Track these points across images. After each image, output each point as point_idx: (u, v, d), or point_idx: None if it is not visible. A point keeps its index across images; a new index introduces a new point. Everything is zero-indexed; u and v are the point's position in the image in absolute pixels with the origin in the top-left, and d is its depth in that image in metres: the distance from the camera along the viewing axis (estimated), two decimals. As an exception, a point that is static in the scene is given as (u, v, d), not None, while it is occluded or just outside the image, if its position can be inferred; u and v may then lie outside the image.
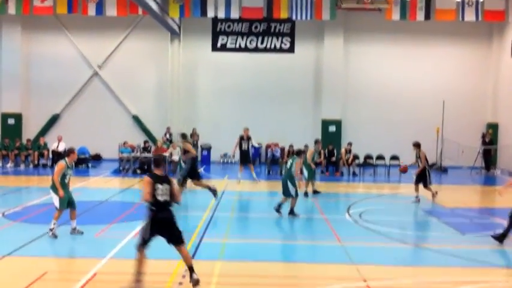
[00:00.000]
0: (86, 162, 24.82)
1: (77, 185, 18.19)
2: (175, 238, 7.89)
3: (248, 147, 20.51)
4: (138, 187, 18.78)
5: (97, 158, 27.10)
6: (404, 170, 17.16)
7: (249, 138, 20.47)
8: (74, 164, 12.36)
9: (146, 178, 7.86)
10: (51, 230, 10.76)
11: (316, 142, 18.60)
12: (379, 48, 27.60)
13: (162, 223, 7.79)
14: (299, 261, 9.54)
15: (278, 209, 13.42)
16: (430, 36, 27.27)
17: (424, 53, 27.59)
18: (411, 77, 27.68)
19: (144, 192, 7.72)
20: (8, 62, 27.46)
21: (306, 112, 27.88)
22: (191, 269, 7.82)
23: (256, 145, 22.68)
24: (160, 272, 8.53)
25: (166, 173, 8.21)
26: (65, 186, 10.85)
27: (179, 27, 27.42)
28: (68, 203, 10.96)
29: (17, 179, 16.60)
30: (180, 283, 8.03)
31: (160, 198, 7.76)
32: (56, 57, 27.87)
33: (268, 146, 25.78)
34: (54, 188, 10.79)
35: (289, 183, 13.47)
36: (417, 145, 16.41)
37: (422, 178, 16.10)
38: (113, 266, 8.86)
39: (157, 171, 7.97)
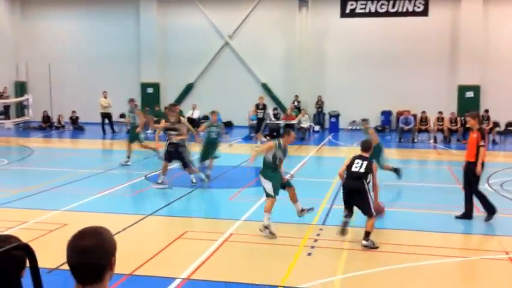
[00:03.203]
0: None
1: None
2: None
3: (264, 116, 20.00)
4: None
5: (229, 125, 28.00)
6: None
7: (264, 107, 19.88)
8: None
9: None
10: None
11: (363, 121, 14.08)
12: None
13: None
14: (437, 231, 9.19)
15: None
16: None
17: None
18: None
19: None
20: (146, 35, 29.06)
21: (441, 78, 26.52)
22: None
23: (271, 114, 21.81)
24: (293, 236, 8.67)
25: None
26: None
27: (308, -6, 27.19)
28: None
29: (156, 144, 17.72)
30: (312, 247, 8.11)
31: None
32: (190, 29, 28.96)
33: (399, 113, 24.98)
34: None
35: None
36: None
37: None
38: (246, 227, 9.15)
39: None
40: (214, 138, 13.79)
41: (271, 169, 9.10)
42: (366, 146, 8.73)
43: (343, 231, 8.34)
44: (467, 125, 9.61)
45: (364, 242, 7.97)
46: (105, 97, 25.56)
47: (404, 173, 13.31)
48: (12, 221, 9.31)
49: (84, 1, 29.82)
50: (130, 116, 16.26)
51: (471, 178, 9.57)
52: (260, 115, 19.85)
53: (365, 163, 8.42)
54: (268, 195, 8.87)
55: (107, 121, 25.47)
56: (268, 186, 8.89)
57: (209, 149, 13.66)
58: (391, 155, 19.26)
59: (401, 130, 23.30)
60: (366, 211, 8.10)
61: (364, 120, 13.73)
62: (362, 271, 7.09)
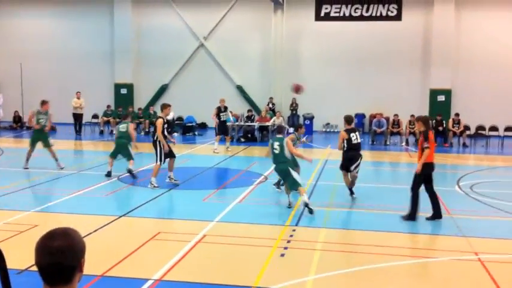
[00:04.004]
0: (193, 130, 25.74)
1: (185, 152, 18.92)
2: None
3: (226, 118, 20.01)
4: (242, 154, 19.18)
5: (203, 126, 27.96)
6: (297, 89, 14.67)
7: (226, 109, 19.89)
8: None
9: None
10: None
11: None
12: (494, 12, 25.90)
13: None
14: (407, 232, 9.32)
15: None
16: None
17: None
18: (530, 43, 25.78)
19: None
20: (120, 35, 28.82)
21: (413, 81, 26.91)
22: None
23: (230, 117, 21.80)
24: (266, 237, 8.70)
25: None
26: None
27: (283, -3, 27.33)
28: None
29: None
30: (285, 248, 8.15)
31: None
32: (165, 29, 28.82)
33: (372, 116, 25.25)
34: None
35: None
36: None
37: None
38: (220, 228, 9.15)
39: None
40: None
41: (292, 161, 10.79)
42: (351, 119, 11.90)
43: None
44: (414, 129, 10.19)
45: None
46: (78, 97, 25.22)
47: (376, 175, 13.46)
48: (-20, 222, 9.14)
49: (58, 0, 29.46)
50: (44, 119, 15.35)
51: (419, 177, 9.81)
52: (223, 118, 19.81)
53: (358, 134, 11.65)
54: (297, 184, 10.30)
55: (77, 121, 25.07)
56: (297, 176, 10.48)
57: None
58: (364, 157, 19.43)
59: (374, 133, 23.56)
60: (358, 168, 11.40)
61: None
62: (334, 271, 7.15)
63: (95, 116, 27.15)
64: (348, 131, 11.54)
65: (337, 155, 18.79)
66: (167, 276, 6.84)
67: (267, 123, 23.62)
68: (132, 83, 29.23)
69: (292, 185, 10.38)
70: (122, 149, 14.03)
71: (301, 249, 8.15)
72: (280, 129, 11.33)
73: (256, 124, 24.03)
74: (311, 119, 26.94)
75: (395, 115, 23.82)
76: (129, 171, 13.65)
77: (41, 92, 29.18)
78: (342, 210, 10.74)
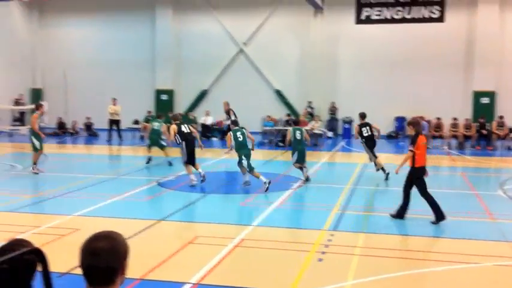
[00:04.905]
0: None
1: (224, 156, 19.02)
2: None
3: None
4: (280, 159, 19.16)
5: (242, 132, 28.00)
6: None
7: (227, 112, 20.39)
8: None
9: None
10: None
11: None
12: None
13: None
14: (448, 237, 9.11)
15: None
16: None
17: None
18: None
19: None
20: (161, 41, 29.27)
21: (455, 83, 26.35)
22: None
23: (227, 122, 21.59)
24: (304, 242, 8.65)
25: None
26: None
27: (322, 1, 27.19)
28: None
29: (170, 150, 17.94)
30: (323, 252, 8.08)
31: None
32: (204, 35, 29.11)
33: (413, 119, 24.83)
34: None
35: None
36: None
37: None
38: (258, 233, 9.15)
39: None
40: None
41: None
42: (364, 115, 15.34)
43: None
44: (408, 132, 10.19)
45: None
46: (114, 104, 25.56)
47: (402, 178, 13.20)
48: (25, 225, 9.41)
49: (100, 8, 30.13)
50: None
51: (414, 181, 9.87)
52: (228, 122, 20.00)
53: (368, 127, 14.89)
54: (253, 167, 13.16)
55: (115, 127, 25.41)
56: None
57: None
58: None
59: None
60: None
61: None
62: (373, 277, 7.04)
63: (136, 122, 27.60)
64: (360, 125, 15.02)
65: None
66: (205, 280, 6.87)
67: (306, 128, 23.48)
68: (173, 89, 29.61)
69: (251, 167, 12.94)
70: (154, 143, 17.04)
71: (339, 254, 8.07)
72: (234, 123, 14.14)
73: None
74: (350, 122, 26.71)
75: (438, 118, 23.39)
76: (169, 162, 16.41)
77: (84, 99, 29.94)
78: (381, 215, 10.58)
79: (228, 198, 12.51)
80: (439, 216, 9.65)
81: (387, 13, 26.81)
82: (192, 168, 13.48)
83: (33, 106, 18.15)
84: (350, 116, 26.79)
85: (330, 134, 26.59)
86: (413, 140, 9.76)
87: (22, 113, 29.71)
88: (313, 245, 8.46)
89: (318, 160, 18.67)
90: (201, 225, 10.16)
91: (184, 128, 13.59)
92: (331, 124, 27.16)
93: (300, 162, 13.92)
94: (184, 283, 6.70)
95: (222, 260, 7.64)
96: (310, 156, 19.57)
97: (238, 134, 13.28)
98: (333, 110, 27.27)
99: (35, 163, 15.16)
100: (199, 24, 29.31)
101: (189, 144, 13.44)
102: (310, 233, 9.15)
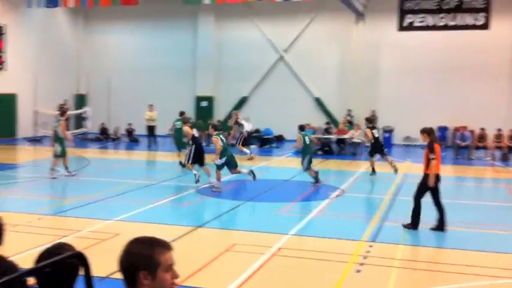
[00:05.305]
0: (270, 142, 25.86)
1: (262, 164, 19.03)
2: None
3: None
4: (319, 167, 19.03)
5: (280, 139, 28.03)
6: None
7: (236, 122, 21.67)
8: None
9: None
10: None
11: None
12: None
13: None
14: (491, 251, 8.85)
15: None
16: None
17: None
18: None
19: None
20: (202, 49, 29.60)
21: (500, 93, 25.73)
22: None
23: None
24: (341, 252, 8.56)
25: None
26: None
27: (364, 8, 26.98)
28: None
29: (209, 157, 18.07)
30: (361, 264, 7.98)
31: None
32: (245, 42, 29.28)
33: (456, 129, 24.35)
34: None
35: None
36: None
37: None
38: (295, 242, 9.10)
39: None
40: None
41: None
42: (371, 118, 17.64)
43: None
44: (421, 141, 10.27)
45: None
46: (151, 110, 25.82)
47: (458, 191, 12.96)
48: (66, 229, 9.61)
49: (143, 16, 30.65)
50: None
51: (423, 188, 9.95)
52: (243, 130, 21.63)
53: (376, 131, 17.03)
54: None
55: (152, 133, 25.65)
56: None
57: None
58: (447, 172, 18.80)
59: (458, 146, 22.68)
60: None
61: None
62: (412, 291, 6.90)
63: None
64: (371, 128, 16.95)
65: (417, 169, 18.29)
66: (242, 287, 6.87)
67: (345, 136, 23.33)
68: (213, 96, 29.85)
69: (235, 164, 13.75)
70: (177, 142, 17.90)
71: (378, 266, 7.96)
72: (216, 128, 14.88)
73: (333, 137, 23.81)
74: (390, 132, 26.37)
75: (482, 129, 22.85)
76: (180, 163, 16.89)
77: (125, 105, 30.46)
78: (421, 227, 10.38)
79: (265, 206, 12.50)
80: (414, 224, 9.88)
81: (430, 20, 26.40)
82: (195, 166, 14.50)
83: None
84: (390, 125, 26.45)
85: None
86: (432, 148, 9.89)
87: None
88: (351, 255, 8.36)
89: (356, 169, 18.48)
90: (238, 232, 10.17)
91: (195, 132, 15.07)
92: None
93: (310, 167, 14.72)
94: (221, 291, 6.72)
95: (260, 269, 7.63)
96: (349, 165, 19.45)
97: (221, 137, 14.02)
98: (373, 119, 26.94)
99: (53, 168, 15.39)
100: (240, 31, 29.51)
101: (198, 147, 14.66)
102: (348, 244, 9.05)
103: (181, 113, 20.08)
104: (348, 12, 26.04)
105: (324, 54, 28.33)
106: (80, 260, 2.32)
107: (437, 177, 9.94)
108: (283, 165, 19.49)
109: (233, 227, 10.54)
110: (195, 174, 14.20)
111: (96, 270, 2.35)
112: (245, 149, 20.67)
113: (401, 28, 26.86)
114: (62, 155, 15.53)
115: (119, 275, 2.36)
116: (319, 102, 28.30)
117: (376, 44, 27.34)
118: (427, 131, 10.21)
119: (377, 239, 9.40)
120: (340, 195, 13.55)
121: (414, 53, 26.84)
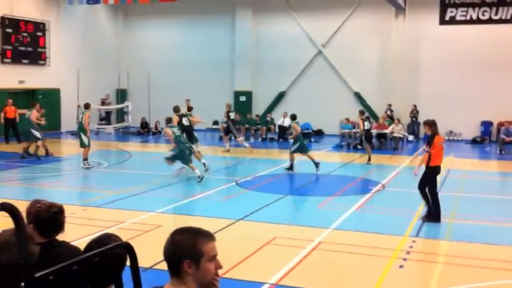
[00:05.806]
0: (309, 137, 25.74)
1: (301, 159, 18.97)
2: None
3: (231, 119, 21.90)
4: (359, 162, 18.87)
5: (319, 133, 27.88)
6: None
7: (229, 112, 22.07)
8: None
9: None
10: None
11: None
12: None
13: None
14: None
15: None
16: None
17: None
18: None
19: None
20: (241, 43, 29.64)
21: (547, 87, 24.92)
22: None
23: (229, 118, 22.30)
24: (384, 247, 8.47)
25: None
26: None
27: (405, 2, 26.52)
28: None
29: (249, 151, 18.23)
30: (404, 259, 7.87)
31: None
32: (283, 37, 29.17)
33: (500, 124, 23.74)
34: None
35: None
36: None
37: None
38: (336, 236, 9.05)
39: None
40: None
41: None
42: (363, 111, 18.84)
43: None
44: (425, 132, 10.22)
45: None
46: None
47: (503, 187, 12.65)
48: (111, 220, 9.80)
49: (181, 11, 30.87)
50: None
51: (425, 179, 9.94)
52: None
53: (368, 122, 18.62)
54: None
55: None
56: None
57: None
58: (491, 167, 18.39)
59: (502, 141, 22.09)
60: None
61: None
62: (456, 287, 6.78)
63: (215, 123, 28.08)
64: (363, 120, 18.38)
65: (460, 164, 17.95)
66: (283, 281, 6.88)
67: (385, 131, 23.03)
68: (251, 91, 29.89)
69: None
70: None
71: (421, 262, 7.85)
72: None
73: (374, 131, 23.50)
74: (432, 126, 25.85)
75: (526, 123, 22.22)
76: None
77: (165, 99, 30.77)
78: (465, 223, 10.19)
79: (305, 200, 12.46)
80: (433, 215, 9.81)
81: (473, 13, 25.76)
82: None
83: (81, 105, 19.33)
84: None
85: (410, 137, 25.88)
86: (430, 140, 9.98)
87: (108, 113, 30.99)
88: (394, 251, 8.26)
89: (398, 164, 18.23)
90: (279, 226, 10.16)
91: (185, 121, 15.76)
92: (412, 127, 26.45)
93: (305, 151, 15.84)
94: (263, 283, 6.74)
95: (300, 262, 7.62)
96: (391, 160, 19.21)
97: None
98: (414, 113, 26.54)
99: (85, 159, 15.88)
100: (278, 25, 29.41)
101: (187, 136, 15.33)
102: (390, 239, 8.94)
103: (190, 108, 20.50)
104: (388, 6, 25.64)
105: (363, 49, 27.98)
106: (127, 250, 2.35)
107: (438, 169, 10.01)
108: (322, 159, 19.34)
109: (274, 221, 10.53)
110: (204, 163, 14.90)
111: (141, 261, 2.38)
112: (245, 143, 21.23)
113: (443, 22, 26.28)
114: (88, 144, 16.00)
115: (163, 266, 2.38)
116: (358, 97, 28.00)
117: (417, 38, 26.83)
118: (429, 123, 10.36)
119: (420, 234, 9.26)
120: (381, 190, 13.40)
121: (456, 47, 26.23)
